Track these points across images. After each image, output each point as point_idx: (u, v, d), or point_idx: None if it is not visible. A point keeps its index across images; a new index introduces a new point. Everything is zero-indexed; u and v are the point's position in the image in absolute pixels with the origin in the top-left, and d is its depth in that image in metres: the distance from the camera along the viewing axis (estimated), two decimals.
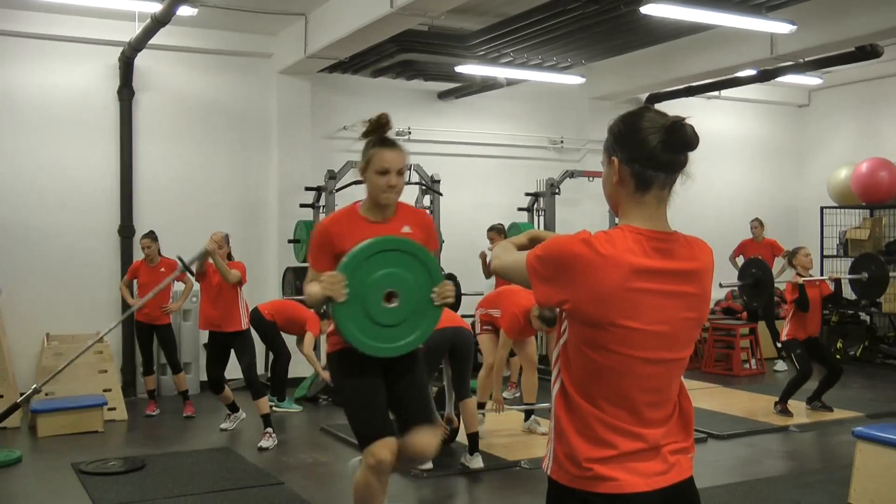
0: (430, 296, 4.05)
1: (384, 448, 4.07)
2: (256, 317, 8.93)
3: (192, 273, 7.41)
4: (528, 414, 8.03)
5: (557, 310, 2.34)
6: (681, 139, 2.22)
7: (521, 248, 2.62)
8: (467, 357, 6.75)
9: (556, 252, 2.25)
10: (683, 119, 2.24)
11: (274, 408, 9.10)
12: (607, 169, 2.34)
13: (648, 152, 2.23)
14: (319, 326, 8.93)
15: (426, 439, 4.19)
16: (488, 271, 8.63)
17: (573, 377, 2.29)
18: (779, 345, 11.62)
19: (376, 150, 4.05)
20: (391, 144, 4.10)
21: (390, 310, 3.97)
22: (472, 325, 7.59)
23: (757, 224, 12.14)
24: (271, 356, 9.56)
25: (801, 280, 8.57)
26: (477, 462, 6.70)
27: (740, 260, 11.96)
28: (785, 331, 8.85)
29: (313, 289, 3.96)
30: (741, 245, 12.25)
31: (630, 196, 2.30)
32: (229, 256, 8.10)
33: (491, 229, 9.67)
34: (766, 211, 13.51)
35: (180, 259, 7.03)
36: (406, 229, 4.15)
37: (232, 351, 7.97)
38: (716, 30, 10.03)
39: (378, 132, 4.12)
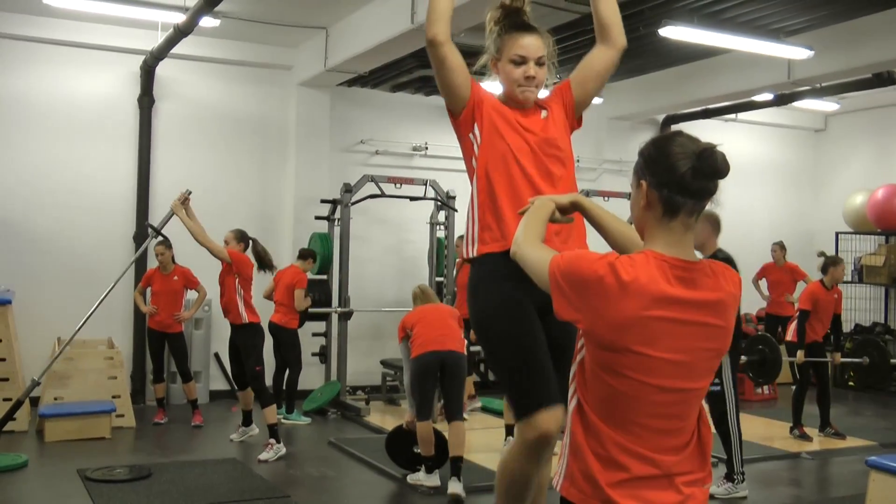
0: None
1: (551, 419, 3.16)
2: (273, 328, 9.00)
3: (163, 237, 7.86)
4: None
5: None
6: (711, 166, 2.21)
7: (562, 209, 2.57)
8: (458, 379, 6.70)
9: (580, 271, 2.23)
10: (715, 146, 2.23)
11: (282, 420, 9.11)
12: (636, 192, 2.33)
13: (678, 178, 2.22)
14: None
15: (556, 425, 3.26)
16: None
17: (590, 398, 2.29)
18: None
19: (510, 35, 3.45)
20: (528, 28, 3.48)
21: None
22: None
23: (777, 248, 12.06)
24: (273, 366, 9.53)
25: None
26: (456, 487, 6.34)
27: (763, 283, 11.98)
28: (790, 331, 8.91)
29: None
30: (763, 269, 12.17)
31: (657, 221, 2.29)
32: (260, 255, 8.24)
33: None
34: (782, 235, 13.44)
35: (150, 225, 7.17)
36: (544, 114, 3.56)
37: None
38: (733, 53, 10.02)
39: (515, 16, 3.53)
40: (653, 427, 2.24)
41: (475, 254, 3.45)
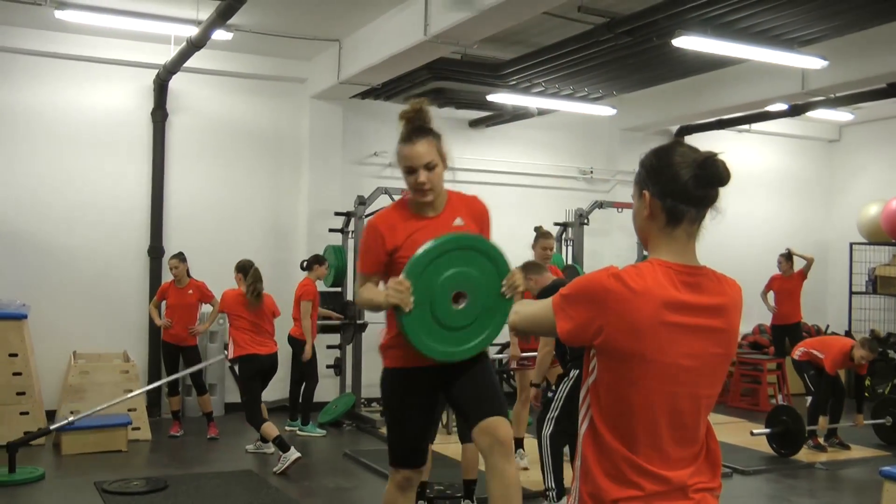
0: (501, 290, 3.71)
1: (414, 472, 4.02)
2: (290, 340, 9.01)
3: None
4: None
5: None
6: (713, 174, 2.22)
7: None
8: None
9: (587, 287, 2.25)
10: (716, 154, 2.24)
11: (298, 432, 9.10)
12: (638, 202, 2.34)
13: (680, 187, 2.23)
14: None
15: (500, 430, 3.78)
16: None
17: (603, 415, 2.28)
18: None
19: (399, 147, 3.78)
20: (412, 138, 3.76)
21: (460, 311, 3.68)
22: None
23: (783, 259, 11.91)
24: (290, 378, 9.53)
25: None
26: None
27: (771, 296, 11.91)
28: (798, 352, 8.86)
29: (373, 295, 3.71)
30: (771, 280, 12.01)
31: (660, 230, 2.30)
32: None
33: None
34: (796, 245, 13.39)
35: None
36: (458, 222, 3.88)
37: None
38: (747, 63, 10.01)
39: (409, 125, 3.82)
40: (667, 437, 2.24)
41: (385, 364, 3.99)
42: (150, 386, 9.24)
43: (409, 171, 3.73)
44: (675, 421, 2.24)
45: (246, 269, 8.07)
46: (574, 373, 5.75)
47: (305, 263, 9.43)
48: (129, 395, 7.44)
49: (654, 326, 2.17)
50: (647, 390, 2.21)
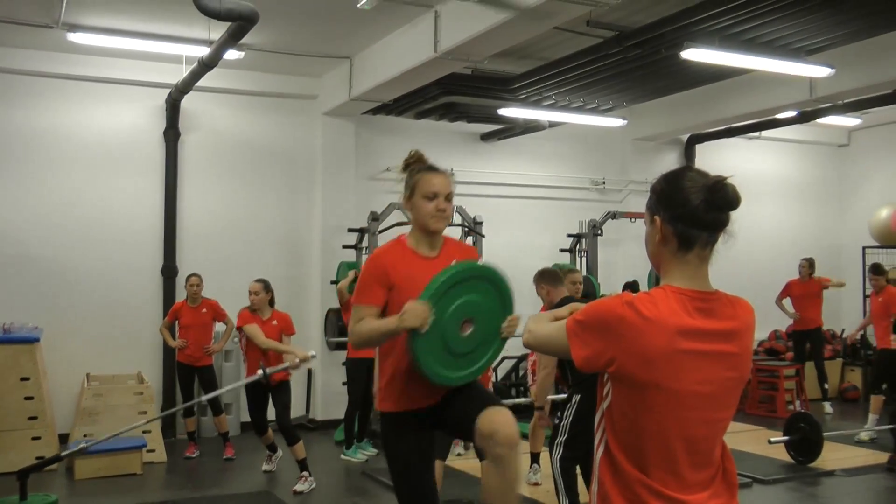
0: (501, 326, 3.86)
1: None
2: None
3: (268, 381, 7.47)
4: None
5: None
6: (723, 198, 2.24)
7: (558, 319, 2.59)
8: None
9: (600, 314, 2.26)
10: (725, 178, 2.26)
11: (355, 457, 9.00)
12: (650, 227, 2.36)
13: (691, 212, 2.25)
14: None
15: (498, 416, 3.69)
16: None
17: (619, 440, 2.29)
18: (826, 386, 11.52)
19: (422, 175, 3.91)
20: (437, 169, 3.97)
21: (465, 338, 3.76)
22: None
23: (806, 265, 11.78)
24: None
25: None
26: None
27: (787, 302, 11.83)
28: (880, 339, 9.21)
29: (379, 324, 3.73)
30: (787, 286, 11.89)
31: (673, 255, 2.31)
32: (271, 303, 8.04)
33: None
34: (809, 251, 13.38)
35: (263, 369, 6.97)
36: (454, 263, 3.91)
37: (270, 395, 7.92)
38: (755, 73, 10.02)
39: (419, 163, 4.00)
40: (683, 462, 2.25)
41: (379, 408, 4.03)
42: (173, 409, 9.11)
43: (432, 196, 3.86)
44: (691, 446, 2.25)
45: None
46: (576, 398, 5.72)
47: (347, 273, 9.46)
48: (142, 422, 7.39)
49: (669, 355, 2.18)
50: (662, 416, 2.22)
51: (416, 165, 3.98)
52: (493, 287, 3.83)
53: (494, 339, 3.88)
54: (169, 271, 10.15)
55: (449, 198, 3.92)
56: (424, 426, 3.94)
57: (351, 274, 8.93)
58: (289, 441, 7.68)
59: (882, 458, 8.63)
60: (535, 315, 2.65)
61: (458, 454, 8.62)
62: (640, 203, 12.22)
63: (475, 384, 3.95)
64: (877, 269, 9.88)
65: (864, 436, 9.42)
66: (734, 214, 2.30)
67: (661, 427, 2.22)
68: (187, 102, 10.15)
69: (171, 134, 10.24)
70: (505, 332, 3.88)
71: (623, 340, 2.19)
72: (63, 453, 6.86)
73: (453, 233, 10.50)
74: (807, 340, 11.70)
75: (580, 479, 5.52)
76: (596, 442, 2.36)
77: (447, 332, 3.68)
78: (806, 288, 11.69)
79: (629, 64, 9.22)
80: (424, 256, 3.92)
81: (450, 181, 3.96)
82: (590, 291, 9.43)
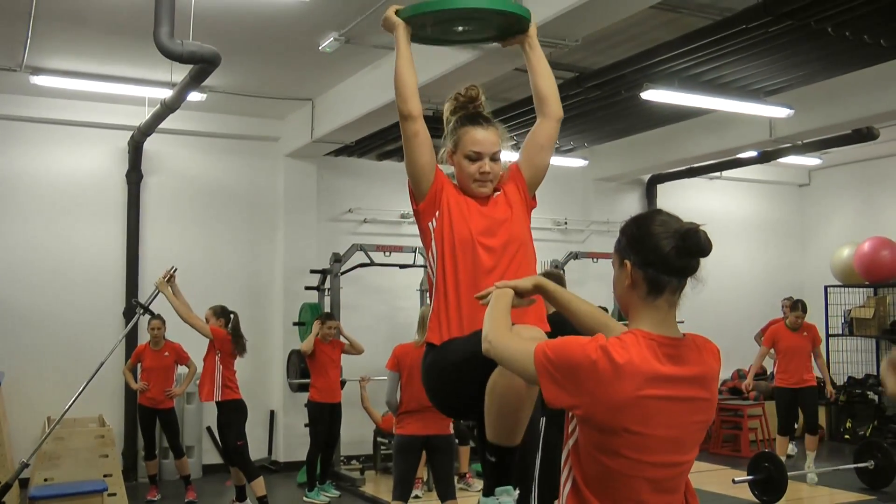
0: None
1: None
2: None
3: (151, 314, 8.01)
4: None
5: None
6: (695, 245, 2.24)
7: (524, 293, 2.59)
8: (446, 459, 6.42)
9: (571, 357, 2.22)
10: (698, 226, 2.26)
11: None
12: (619, 272, 2.35)
13: (662, 257, 2.25)
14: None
15: None
16: None
17: (585, 476, 2.29)
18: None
19: (466, 130, 3.35)
20: (482, 122, 3.37)
21: (460, 34, 3.48)
22: None
23: (788, 304, 10.62)
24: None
25: None
26: None
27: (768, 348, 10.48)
28: None
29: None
30: (773, 332, 9.84)
31: (642, 300, 2.31)
32: (236, 333, 8.08)
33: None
34: (771, 290, 13.52)
35: (137, 302, 7.22)
36: (500, 198, 3.44)
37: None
38: (716, 113, 10.14)
39: (468, 108, 3.46)
40: (649, 502, 2.26)
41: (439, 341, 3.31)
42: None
43: (475, 157, 3.33)
44: (656, 486, 2.26)
45: (226, 315, 8.10)
46: (542, 421, 5.69)
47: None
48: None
49: (637, 401, 2.18)
50: (627, 460, 2.22)
51: (464, 112, 3.45)
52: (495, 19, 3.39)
53: (495, 33, 3.50)
54: (131, 314, 10.04)
55: (496, 157, 3.35)
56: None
57: (315, 327, 8.84)
58: (247, 477, 7.86)
59: (842, 497, 8.67)
60: (493, 314, 2.48)
61: (416, 496, 8.55)
62: (601, 243, 12.30)
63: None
64: (804, 307, 9.61)
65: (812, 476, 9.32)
66: (702, 259, 2.31)
67: (626, 469, 2.22)
68: (150, 144, 10.13)
69: (134, 176, 10.21)
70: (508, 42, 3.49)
71: (591, 388, 2.18)
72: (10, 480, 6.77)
73: (418, 273, 10.58)
74: (797, 403, 9.55)
75: None
76: (563, 478, 2.35)
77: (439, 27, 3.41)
78: (796, 340, 9.61)
79: (589, 105, 9.33)
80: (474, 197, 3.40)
81: (499, 136, 3.39)
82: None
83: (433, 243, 3.33)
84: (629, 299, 2.34)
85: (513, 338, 2.40)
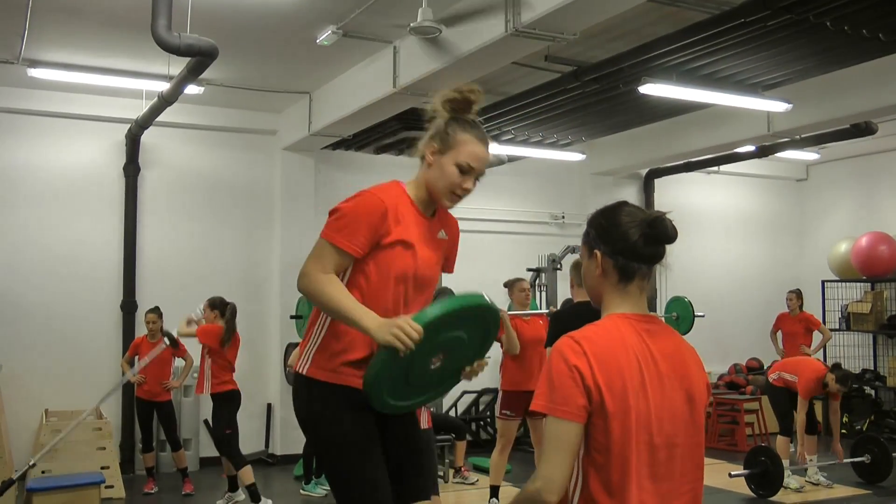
0: (466, 368, 3.16)
1: None
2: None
3: (175, 346, 8.22)
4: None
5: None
6: (661, 233, 2.36)
7: None
8: (428, 451, 6.30)
9: (560, 376, 2.27)
10: (664, 214, 2.37)
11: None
12: (588, 262, 2.47)
13: (631, 246, 2.36)
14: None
15: None
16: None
17: (588, 468, 2.31)
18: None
19: (469, 139, 3.08)
20: (486, 138, 3.13)
21: (431, 371, 3.09)
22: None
23: (794, 297, 11.22)
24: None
25: None
26: None
27: (779, 336, 11.43)
28: (773, 376, 9.00)
29: (350, 305, 2.96)
30: (778, 319, 11.40)
31: (613, 287, 2.42)
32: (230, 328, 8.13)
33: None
34: (768, 285, 13.53)
35: (168, 334, 7.35)
36: (442, 234, 3.30)
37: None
38: (714, 107, 10.15)
39: (466, 111, 3.15)
40: (652, 491, 2.28)
41: (326, 380, 3.14)
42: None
43: (466, 169, 3.08)
44: (656, 471, 2.29)
45: (223, 307, 8.17)
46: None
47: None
48: None
49: (632, 376, 2.26)
50: (625, 439, 2.25)
51: (465, 114, 3.15)
52: (483, 329, 3.13)
53: (453, 377, 3.21)
54: (128, 306, 10.07)
55: (479, 177, 3.15)
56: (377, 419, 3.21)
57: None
58: (235, 466, 7.94)
59: (839, 491, 8.68)
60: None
61: None
62: None
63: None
64: (798, 294, 10.95)
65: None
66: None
67: (625, 451, 2.25)
68: (147, 137, 10.12)
69: (131, 169, 10.20)
70: (467, 374, 3.17)
71: (586, 383, 2.24)
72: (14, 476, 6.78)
73: None
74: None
75: None
76: (572, 483, 2.34)
77: (417, 363, 2.99)
78: (794, 324, 11.15)
79: (587, 99, 9.33)
80: (423, 215, 3.20)
81: (490, 155, 3.17)
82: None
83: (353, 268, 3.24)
84: (601, 288, 2.45)
85: (547, 439, 2.31)
